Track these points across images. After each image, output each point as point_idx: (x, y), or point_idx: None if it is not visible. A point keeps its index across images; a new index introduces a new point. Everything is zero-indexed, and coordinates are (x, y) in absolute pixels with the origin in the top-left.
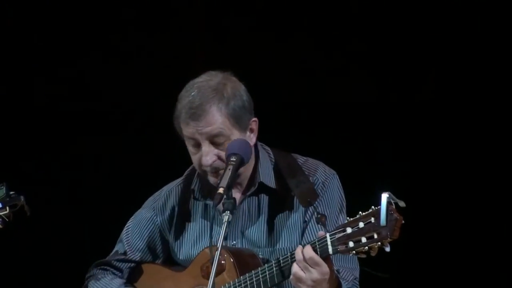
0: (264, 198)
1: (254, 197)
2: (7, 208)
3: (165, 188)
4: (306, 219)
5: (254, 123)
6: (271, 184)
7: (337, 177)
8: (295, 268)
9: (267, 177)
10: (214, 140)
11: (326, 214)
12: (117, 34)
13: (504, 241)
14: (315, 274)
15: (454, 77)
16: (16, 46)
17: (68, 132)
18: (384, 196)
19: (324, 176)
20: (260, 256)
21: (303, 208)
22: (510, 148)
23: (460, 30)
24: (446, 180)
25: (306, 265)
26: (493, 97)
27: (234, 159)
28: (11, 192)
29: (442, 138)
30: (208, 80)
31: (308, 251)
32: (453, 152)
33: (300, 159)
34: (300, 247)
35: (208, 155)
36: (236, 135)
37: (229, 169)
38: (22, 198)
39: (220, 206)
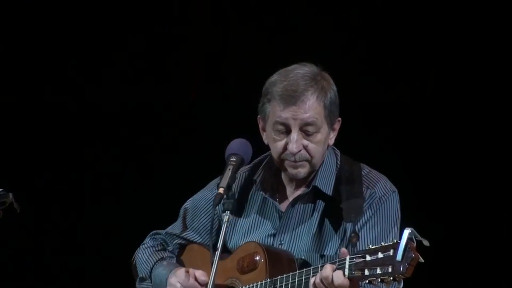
0: (321, 204)
1: (309, 202)
2: None
3: None
4: (356, 230)
5: (338, 122)
6: (328, 191)
7: (397, 195)
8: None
9: (326, 182)
10: (305, 129)
11: (378, 228)
12: (117, 35)
13: None
14: None
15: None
16: (21, 49)
17: (64, 132)
18: (406, 232)
19: (383, 191)
20: (303, 260)
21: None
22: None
23: (461, 30)
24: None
25: (326, 284)
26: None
27: (234, 159)
28: None
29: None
30: (305, 69)
31: (326, 272)
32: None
33: (365, 169)
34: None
35: (296, 143)
36: (325, 129)
37: (229, 169)
38: (10, 195)
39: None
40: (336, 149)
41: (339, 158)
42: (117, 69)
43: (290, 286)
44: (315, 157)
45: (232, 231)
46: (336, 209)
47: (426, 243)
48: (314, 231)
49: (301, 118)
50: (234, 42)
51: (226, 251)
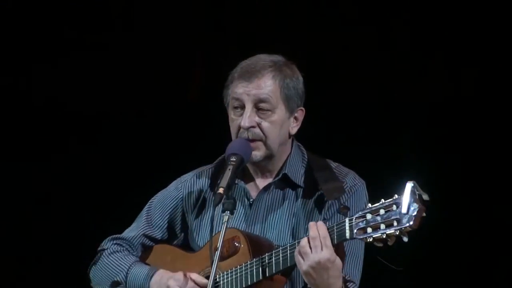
0: (290, 193)
1: (279, 190)
2: None
3: (195, 171)
4: (326, 216)
5: (300, 112)
6: (297, 180)
7: (365, 187)
8: (303, 242)
9: (295, 172)
10: (259, 106)
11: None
12: (116, 34)
13: None
14: (321, 255)
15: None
16: (12, 44)
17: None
18: (409, 185)
19: (353, 182)
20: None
21: (326, 205)
22: None
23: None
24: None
25: (316, 244)
26: None
27: (234, 159)
28: None
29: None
30: (272, 56)
31: (323, 229)
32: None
33: (333, 163)
34: (314, 224)
35: (248, 118)
36: (281, 111)
37: (229, 169)
38: None
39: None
40: (301, 146)
41: (305, 153)
42: (117, 69)
43: (282, 258)
44: (269, 137)
45: (200, 226)
46: (311, 196)
47: (426, 197)
48: (286, 219)
49: (253, 94)
50: (234, 41)
51: (189, 247)
